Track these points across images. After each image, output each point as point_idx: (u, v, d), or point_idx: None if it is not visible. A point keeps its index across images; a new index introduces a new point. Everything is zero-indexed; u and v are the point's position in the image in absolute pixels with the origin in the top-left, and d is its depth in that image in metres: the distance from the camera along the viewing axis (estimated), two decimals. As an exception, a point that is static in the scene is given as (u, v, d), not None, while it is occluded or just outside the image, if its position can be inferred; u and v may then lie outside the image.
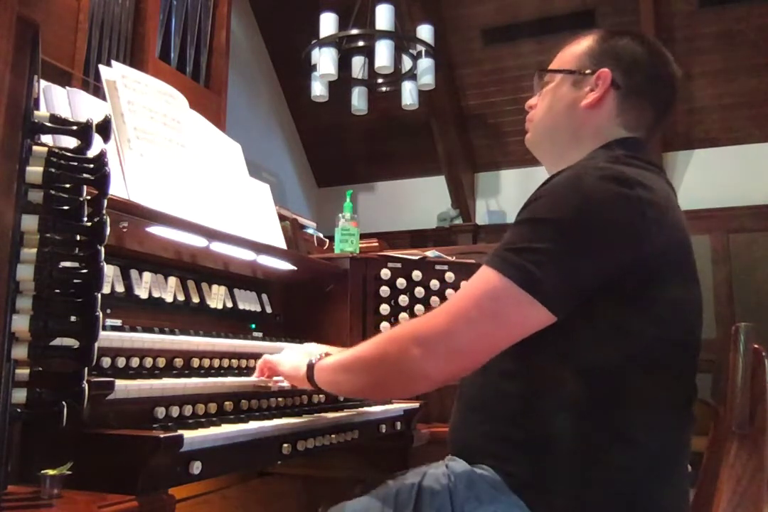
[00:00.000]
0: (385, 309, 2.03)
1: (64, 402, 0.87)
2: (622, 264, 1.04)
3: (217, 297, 1.72)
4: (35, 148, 0.91)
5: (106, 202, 0.97)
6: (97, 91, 2.91)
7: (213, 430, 1.11)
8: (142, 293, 1.49)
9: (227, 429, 1.14)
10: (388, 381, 1.14)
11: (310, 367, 1.26)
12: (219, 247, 1.57)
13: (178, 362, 1.33)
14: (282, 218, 2.11)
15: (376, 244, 2.83)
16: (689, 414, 1.13)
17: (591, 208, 1.04)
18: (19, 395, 0.86)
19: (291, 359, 1.35)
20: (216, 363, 1.42)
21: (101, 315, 0.92)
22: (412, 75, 4.40)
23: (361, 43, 4.26)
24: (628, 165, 1.12)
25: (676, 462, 1.11)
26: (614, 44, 1.27)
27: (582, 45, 1.29)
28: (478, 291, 1.04)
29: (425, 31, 4.27)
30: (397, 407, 1.73)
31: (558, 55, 1.34)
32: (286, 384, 1.40)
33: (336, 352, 1.29)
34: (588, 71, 1.26)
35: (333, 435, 1.42)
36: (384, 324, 2.01)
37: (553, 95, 1.30)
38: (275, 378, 1.41)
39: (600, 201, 1.04)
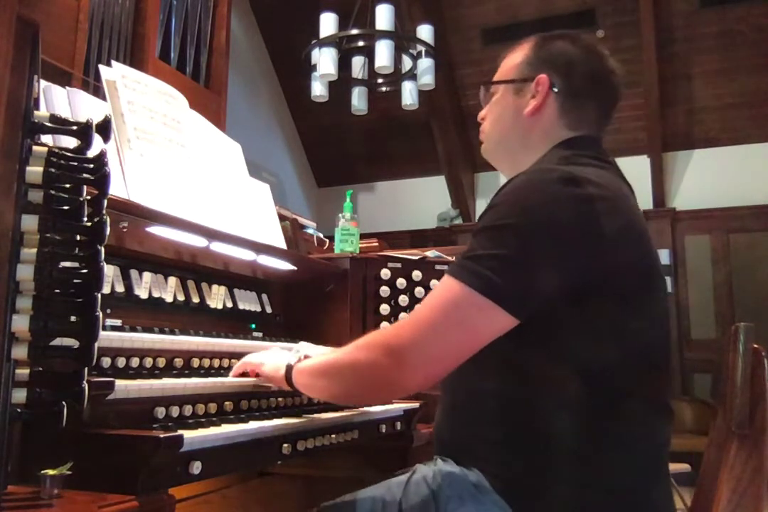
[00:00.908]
0: (385, 309, 2.03)
1: (64, 402, 0.87)
2: (586, 263, 1.04)
3: (217, 297, 1.72)
4: (35, 148, 0.90)
5: (106, 202, 0.96)
6: (97, 91, 2.92)
7: (213, 430, 1.11)
8: (142, 293, 1.49)
9: (227, 429, 1.14)
10: (361, 391, 1.17)
11: (289, 369, 1.27)
12: (219, 247, 1.57)
13: (178, 362, 1.33)
14: (282, 218, 2.11)
15: (376, 244, 2.82)
16: (670, 410, 1.15)
17: (543, 210, 1.05)
18: (19, 395, 0.85)
19: (273, 359, 1.36)
20: (216, 363, 1.42)
21: (101, 315, 0.92)
22: (412, 75, 4.39)
23: (361, 43, 4.26)
24: (577, 164, 1.14)
25: (662, 460, 1.12)
26: (548, 49, 1.29)
27: (519, 54, 1.32)
28: (442, 300, 1.06)
29: (425, 31, 4.26)
30: (397, 407, 1.73)
31: (500, 66, 1.36)
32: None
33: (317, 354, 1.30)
34: (527, 79, 1.28)
35: (333, 435, 1.42)
36: (384, 325, 2.01)
37: (498, 106, 1.33)
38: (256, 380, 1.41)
39: (551, 203, 1.05)
